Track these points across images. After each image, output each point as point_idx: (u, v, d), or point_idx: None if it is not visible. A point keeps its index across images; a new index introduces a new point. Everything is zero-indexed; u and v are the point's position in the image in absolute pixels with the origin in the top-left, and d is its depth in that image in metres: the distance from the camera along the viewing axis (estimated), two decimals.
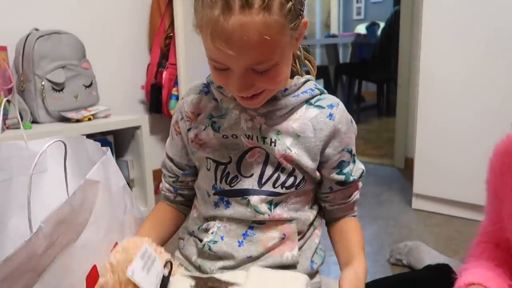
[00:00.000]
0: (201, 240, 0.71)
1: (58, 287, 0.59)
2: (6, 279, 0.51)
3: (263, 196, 0.67)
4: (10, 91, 1.41)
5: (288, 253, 0.69)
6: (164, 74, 2.01)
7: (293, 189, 0.68)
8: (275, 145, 0.65)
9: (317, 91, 0.68)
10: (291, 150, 0.65)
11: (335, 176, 0.69)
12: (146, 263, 0.60)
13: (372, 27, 4.66)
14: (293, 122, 0.66)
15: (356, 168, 0.71)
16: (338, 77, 4.47)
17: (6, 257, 0.49)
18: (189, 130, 0.71)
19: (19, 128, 1.30)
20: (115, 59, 1.94)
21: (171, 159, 0.77)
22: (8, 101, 1.35)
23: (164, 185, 0.80)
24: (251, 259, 0.69)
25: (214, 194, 0.70)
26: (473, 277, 0.62)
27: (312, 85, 0.69)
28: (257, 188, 0.67)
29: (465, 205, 1.58)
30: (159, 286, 0.59)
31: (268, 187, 0.67)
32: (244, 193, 0.68)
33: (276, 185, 0.67)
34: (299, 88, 0.67)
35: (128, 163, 1.63)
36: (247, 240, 0.70)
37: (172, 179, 0.78)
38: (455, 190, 1.59)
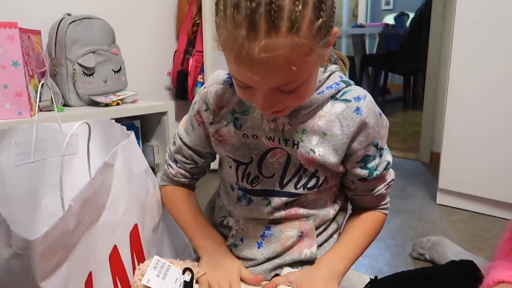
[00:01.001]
0: (224, 237, 0.74)
1: (85, 264, 0.61)
2: (42, 255, 0.53)
3: (284, 198, 0.67)
4: (43, 74, 1.45)
5: (307, 250, 0.69)
6: (191, 61, 2.02)
7: (315, 189, 0.67)
8: (297, 148, 0.63)
9: (342, 84, 0.63)
10: (314, 152, 0.63)
11: (358, 170, 0.67)
12: (160, 271, 0.62)
13: (401, 17, 4.54)
14: (319, 120, 0.63)
15: (382, 161, 0.68)
16: (363, 68, 4.39)
17: (45, 232, 0.52)
18: (211, 123, 0.70)
19: (51, 110, 1.34)
20: (143, 45, 1.96)
21: (191, 148, 0.76)
22: (42, 84, 1.39)
23: (177, 170, 0.79)
24: (270, 259, 0.70)
25: (238, 189, 0.71)
26: (503, 274, 0.61)
27: (337, 78, 0.64)
28: (279, 189, 0.67)
29: (491, 202, 1.55)
30: None
31: (289, 188, 0.67)
32: (265, 194, 0.68)
33: (298, 186, 0.67)
34: (323, 83, 0.64)
35: (153, 148, 1.66)
36: (265, 241, 0.70)
37: (190, 166, 0.78)
38: (482, 186, 1.55)
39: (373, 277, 0.95)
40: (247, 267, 0.70)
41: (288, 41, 0.46)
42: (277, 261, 0.69)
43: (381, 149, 0.67)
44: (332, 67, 0.65)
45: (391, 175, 0.72)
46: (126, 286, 0.69)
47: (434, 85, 2.29)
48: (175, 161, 0.79)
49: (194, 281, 0.65)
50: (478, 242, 1.34)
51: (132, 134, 0.80)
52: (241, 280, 0.67)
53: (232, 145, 0.68)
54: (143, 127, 1.66)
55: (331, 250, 0.69)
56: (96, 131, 0.98)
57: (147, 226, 0.79)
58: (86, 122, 0.91)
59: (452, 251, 1.14)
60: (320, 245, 0.72)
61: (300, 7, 0.45)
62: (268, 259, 0.69)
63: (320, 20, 0.47)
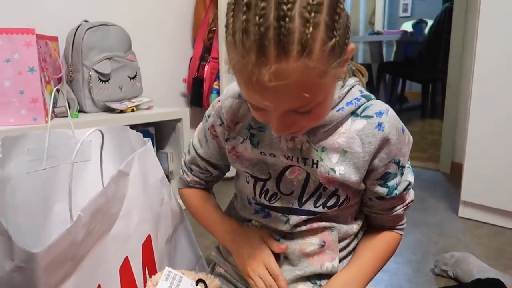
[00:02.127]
0: None
1: (94, 277, 0.59)
2: (47, 268, 0.51)
3: (303, 217, 0.65)
4: (59, 80, 1.45)
5: (328, 263, 0.67)
6: (206, 68, 2.00)
7: (335, 208, 0.65)
8: (317, 167, 0.61)
9: (363, 100, 0.61)
10: (335, 172, 0.60)
11: (377, 188, 0.64)
12: (172, 283, 0.60)
13: (419, 24, 4.47)
14: (339, 137, 0.61)
15: (403, 181, 0.65)
16: (381, 75, 4.33)
17: (49, 244, 0.49)
18: (227, 140, 0.68)
19: (66, 116, 1.33)
20: (159, 52, 1.96)
21: (204, 160, 0.75)
22: (58, 90, 1.39)
23: (192, 178, 0.79)
24: (287, 260, 0.67)
25: (256, 204, 0.69)
26: None
27: (357, 92, 0.62)
28: (297, 207, 0.65)
29: None
30: None
31: (308, 206, 0.65)
32: (284, 211, 0.66)
33: (318, 205, 0.64)
34: (342, 99, 0.60)
35: (168, 155, 1.64)
36: (285, 241, 0.68)
37: (205, 175, 0.78)
38: (507, 199, 1.48)
39: None
40: None
41: (299, 65, 0.43)
42: (297, 272, 0.66)
43: (403, 167, 0.64)
44: (351, 80, 0.62)
45: (410, 195, 0.69)
46: None
47: (455, 93, 2.22)
48: (190, 170, 0.79)
49: None
50: (504, 259, 1.27)
51: (149, 142, 0.78)
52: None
53: (250, 160, 0.66)
54: (158, 134, 1.65)
55: (345, 271, 0.67)
56: (110, 138, 0.97)
57: (161, 237, 0.76)
58: (99, 129, 0.89)
59: (477, 268, 1.08)
60: (340, 260, 0.69)
61: (311, 28, 0.42)
62: (285, 260, 0.67)
63: (334, 40, 0.44)
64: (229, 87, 0.70)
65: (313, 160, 0.61)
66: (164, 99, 1.93)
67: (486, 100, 1.49)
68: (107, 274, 0.62)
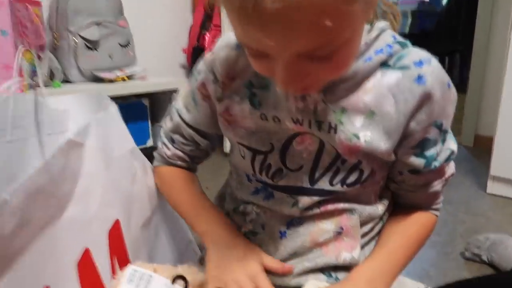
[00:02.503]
0: (239, 227, 0.58)
1: (39, 276, 0.45)
2: None
3: (316, 198, 0.52)
4: (42, 48, 1.31)
5: (346, 254, 0.53)
6: (207, 36, 1.85)
7: (356, 186, 0.52)
8: (335, 132, 0.47)
9: (397, 47, 0.47)
10: (359, 138, 0.47)
11: (412, 159, 0.50)
12: (138, 285, 0.46)
13: None
14: (365, 94, 0.47)
15: (444, 149, 0.51)
16: None
17: None
18: (219, 100, 0.54)
19: (47, 86, 1.20)
20: (155, 19, 1.80)
21: (192, 127, 0.61)
22: (39, 56, 1.26)
23: (173, 152, 0.64)
24: (295, 255, 0.53)
25: (257, 181, 0.55)
26: None
27: (390, 38, 0.48)
28: (308, 186, 0.52)
29: None
30: None
31: (322, 184, 0.51)
32: (291, 191, 0.52)
33: (334, 182, 0.51)
34: (370, 46, 0.46)
35: None
36: (292, 230, 0.54)
37: (190, 148, 0.64)
38: None
39: (423, 287, 0.76)
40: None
41: None
42: (306, 264, 0.53)
43: (445, 132, 0.50)
44: (381, 23, 0.48)
45: (451, 168, 0.55)
46: None
47: (482, 63, 2.03)
48: (172, 141, 0.64)
49: None
50: None
51: (111, 105, 0.63)
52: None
53: (247, 128, 0.53)
54: (153, 106, 1.52)
55: (369, 261, 0.53)
56: (84, 108, 0.83)
57: (134, 221, 0.63)
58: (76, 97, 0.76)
59: None
60: (362, 247, 0.55)
61: None
62: (293, 256, 0.54)
63: None
64: (223, 36, 0.55)
65: (330, 124, 0.48)
66: (162, 70, 1.78)
67: None
68: (57, 272, 0.48)
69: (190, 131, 0.61)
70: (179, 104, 0.63)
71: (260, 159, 0.53)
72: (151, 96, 1.48)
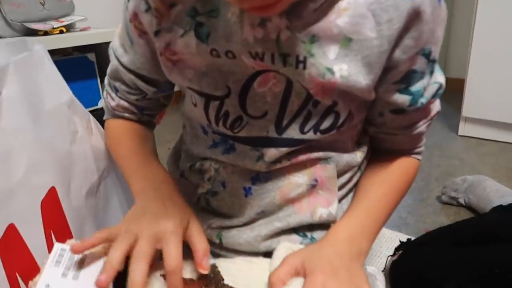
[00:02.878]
0: (195, 186, 0.50)
1: None
2: None
3: (284, 149, 0.44)
4: None
5: (323, 209, 0.46)
6: None
7: (332, 131, 0.44)
8: (304, 67, 0.39)
9: None
10: (333, 73, 0.39)
11: (396, 96, 0.42)
12: (69, 267, 0.36)
13: None
14: (339, 16, 0.38)
15: (431, 83, 0.43)
16: None
17: None
18: (156, 33, 0.43)
19: None
20: None
21: (132, 72, 0.49)
22: None
23: (117, 102, 0.53)
24: (264, 215, 0.45)
25: (214, 132, 0.46)
26: None
27: None
28: (275, 135, 0.44)
29: None
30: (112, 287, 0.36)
31: (292, 133, 0.43)
32: (254, 143, 0.45)
33: (306, 129, 0.43)
34: None
35: None
36: (258, 186, 0.46)
37: (135, 97, 0.53)
38: None
39: (403, 236, 0.71)
40: (226, 228, 0.47)
41: None
42: (277, 224, 0.46)
43: (434, 62, 0.42)
44: None
45: (436, 105, 0.48)
46: None
47: (449, 6, 1.98)
48: (115, 89, 0.53)
49: None
50: None
51: (38, 46, 0.50)
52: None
53: (195, 68, 0.42)
54: (101, 61, 1.35)
55: (349, 216, 0.46)
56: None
57: (76, 188, 0.53)
58: None
59: (495, 193, 0.91)
60: (339, 200, 0.48)
61: None
62: (261, 216, 0.46)
63: None
64: None
65: (297, 57, 0.38)
66: (107, 20, 1.58)
67: (492, 11, 1.30)
68: None
69: (131, 76, 0.50)
70: (115, 42, 0.51)
71: (215, 107, 0.43)
72: (97, 49, 1.32)
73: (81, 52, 1.28)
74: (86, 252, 0.38)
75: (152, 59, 0.47)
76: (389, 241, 0.86)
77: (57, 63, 0.57)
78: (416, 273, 0.60)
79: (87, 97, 1.34)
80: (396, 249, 0.70)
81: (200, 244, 0.39)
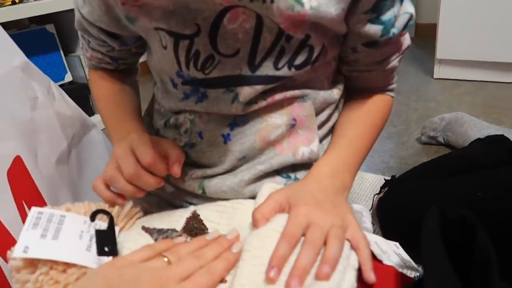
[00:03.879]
0: None
1: None
2: None
3: (259, 87, 0.42)
4: None
5: (304, 148, 0.45)
6: None
7: (307, 67, 0.43)
8: (272, 1, 0.37)
9: None
10: (302, 5, 0.37)
11: (368, 27, 0.41)
12: (47, 229, 0.35)
13: None
14: None
15: (403, 13, 0.42)
16: None
17: None
18: None
19: None
20: None
21: (94, 26, 0.46)
22: None
23: (91, 54, 0.51)
24: (245, 160, 0.44)
25: (184, 83, 0.44)
26: None
27: None
28: (249, 73, 0.42)
29: (500, 66, 1.33)
30: (94, 245, 0.36)
31: (266, 70, 0.42)
32: (228, 84, 0.43)
33: (280, 66, 0.42)
34: None
35: (81, 59, 1.29)
36: (236, 132, 0.45)
37: (106, 48, 0.50)
38: (487, 50, 1.32)
39: (388, 178, 0.72)
40: (208, 177, 0.46)
41: None
42: (259, 167, 0.45)
43: None
44: None
45: (407, 39, 0.47)
46: None
47: None
48: (87, 41, 0.51)
49: (118, 229, 0.38)
50: (494, 114, 1.13)
51: None
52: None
53: (162, 7, 0.39)
54: (62, 33, 1.28)
55: (331, 153, 0.46)
56: None
57: (44, 156, 0.50)
58: None
59: (473, 128, 0.91)
60: (320, 141, 0.48)
61: None
62: (243, 161, 0.45)
63: None
64: None
65: None
66: None
67: None
68: None
69: (95, 30, 0.46)
70: None
71: (185, 46, 0.41)
72: (57, 20, 1.25)
73: (39, 23, 1.21)
74: (65, 214, 0.36)
75: (107, 13, 0.43)
76: (373, 184, 0.87)
77: (13, 38, 0.53)
78: (402, 207, 0.61)
79: (52, 72, 1.27)
80: (382, 187, 0.71)
81: (172, 151, 0.42)
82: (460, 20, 1.34)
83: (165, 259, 0.32)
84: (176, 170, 0.41)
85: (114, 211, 0.39)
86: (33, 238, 0.33)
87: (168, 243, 0.35)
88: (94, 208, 0.38)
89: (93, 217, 0.37)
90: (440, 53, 1.40)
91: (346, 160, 0.44)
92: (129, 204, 0.40)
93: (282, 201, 0.37)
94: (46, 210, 0.36)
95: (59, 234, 0.34)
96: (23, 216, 0.44)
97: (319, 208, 0.35)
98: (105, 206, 0.39)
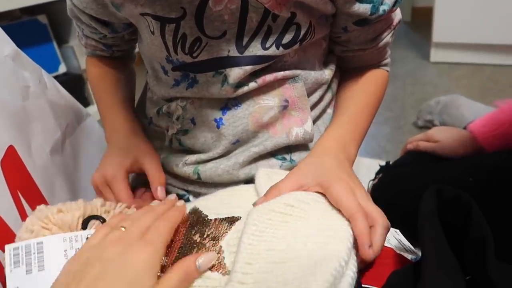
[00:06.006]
0: (166, 130, 0.49)
1: None
2: None
3: (248, 67, 0.42)
4: None
5: (298, 128, 0.45)
6: None
7: (295, 46, 0.43)
8: None
9: None
10: None
11: (357, 6, 0.40)
12: (31, 261, 0.35)
13: None
14: None
15: None
16: None
17: None
18: None
19: None
20: None
21: (84, 13, 0.46)
22: None
23: (85, 40, 0.51)
24: (239, 144, 0.44)
25: (174, 69, 0.44)
26: None
27: None
28: (237, 54, 0.42)
29: (496, 48, 1.33)
30: None
31: (254, 50, 0.42)
32: (216, 66, 0.43)
33: (268, 45, 0.42)
34: None
35: (74, 50, 1.28)
36: (229, 116, 0.45)
37: (98, 36, 0.50)
38: (484, 32, 1.32)
39: (383, 163, 0.72)
40: (202, 162, 0.47)
41: None
42: (253, 149, 0.45)
43: None
44: None
45: (397, 14, 0.47)
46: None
47: None
48: (81, 29, 0.51)
49: None
50: (490, 96, 1.13)
51: None
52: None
53: None
54: (55, 23, 1.27)
55: (335, 127, 0.47)
56: None
57: (38, 146, 0.50)
58: None
59: (470, 109, 0.91)
60: (314, 121, 0.48)
61: None
62: (237, 145, 0.46)
63: None
64: None
65: None
66: None
67: None
68: None
69: (85, 17, 0.46)
70: None
71: (171, 30, 0.41)
72: (49, 10, 1.23)
73: (31, 14, 1.19)
74: (42, 240, 0.35)
75: (95, 0, 0.43)
76: (370, 169, 0.87)
77: (5, 30, 0.52)
78: (395, 192, 0.61)
79: (45, 64, 1.25)
80: (377, 173, 0.71)
81: (154, 175, 0.45)
82: (456, 3, 1.33)
83: (122, 229, 0.32)
84: (160, 194, 0.45)
85: (109, 216, 0.39)
86: (20, 277, 0.33)
87: (121, 216, 0.36)
88: (84, 206, 0.37)
89: (85, 223, 0.37)
90: (436, 36, 1.39)
91: (352, 133, 0.46)
92: (123, 205, 0.40)
93: (303, 182, 0.37)
94: (20, 244, 0.35)
95: (43, 263, 0.34)
96: (19, 206, 0.44)
97: (350, 182, 0.37)
98: (98, 203, 0.39)
